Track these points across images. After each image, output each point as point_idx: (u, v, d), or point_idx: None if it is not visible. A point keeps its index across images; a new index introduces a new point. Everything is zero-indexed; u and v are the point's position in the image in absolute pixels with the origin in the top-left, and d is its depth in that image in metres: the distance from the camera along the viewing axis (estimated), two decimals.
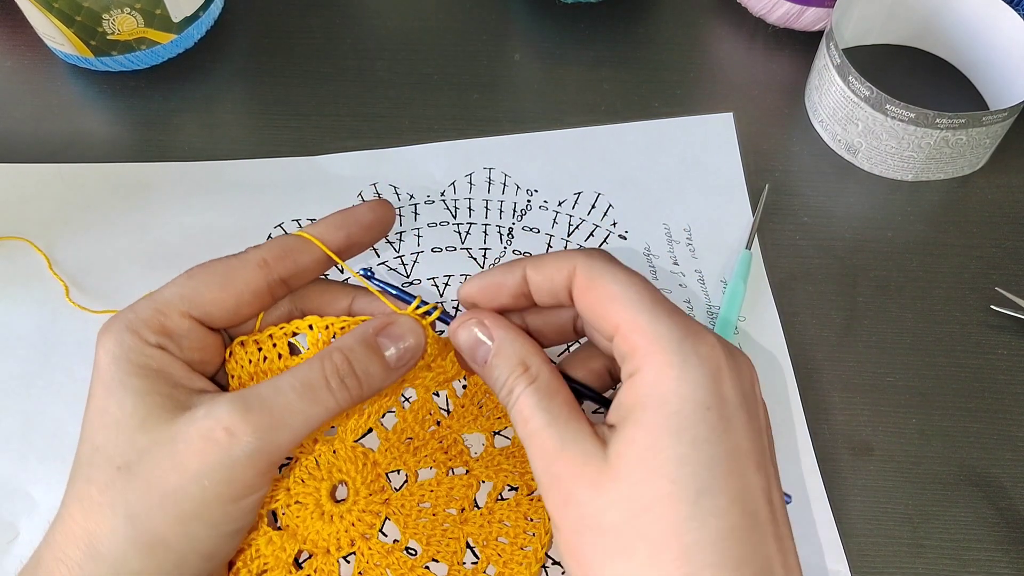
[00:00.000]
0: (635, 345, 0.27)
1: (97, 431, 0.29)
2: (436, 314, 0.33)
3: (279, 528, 0.35)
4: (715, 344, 0.27)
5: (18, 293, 0.45)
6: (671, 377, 0.26)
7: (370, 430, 0.36)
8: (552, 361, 0.31)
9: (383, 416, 0.36)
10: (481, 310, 0.32)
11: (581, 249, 0.30)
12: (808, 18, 0.53)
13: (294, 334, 0.33)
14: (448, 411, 0.38)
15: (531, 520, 0.36)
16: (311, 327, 0.32)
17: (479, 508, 0.37)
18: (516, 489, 0.37)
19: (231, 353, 0.32)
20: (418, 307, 0.33)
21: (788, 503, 0.39)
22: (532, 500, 0.36)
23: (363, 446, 0.36)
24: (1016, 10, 0.48)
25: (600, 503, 0.26)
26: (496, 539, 0.36)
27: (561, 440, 0.28)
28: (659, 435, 0.26)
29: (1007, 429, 0.42)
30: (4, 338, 0.44)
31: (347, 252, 0.33)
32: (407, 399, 0.37)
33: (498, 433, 0.39)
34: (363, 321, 0.32)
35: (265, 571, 0.34)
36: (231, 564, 0.34)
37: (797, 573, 0.27)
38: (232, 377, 0.32)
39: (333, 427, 0.36)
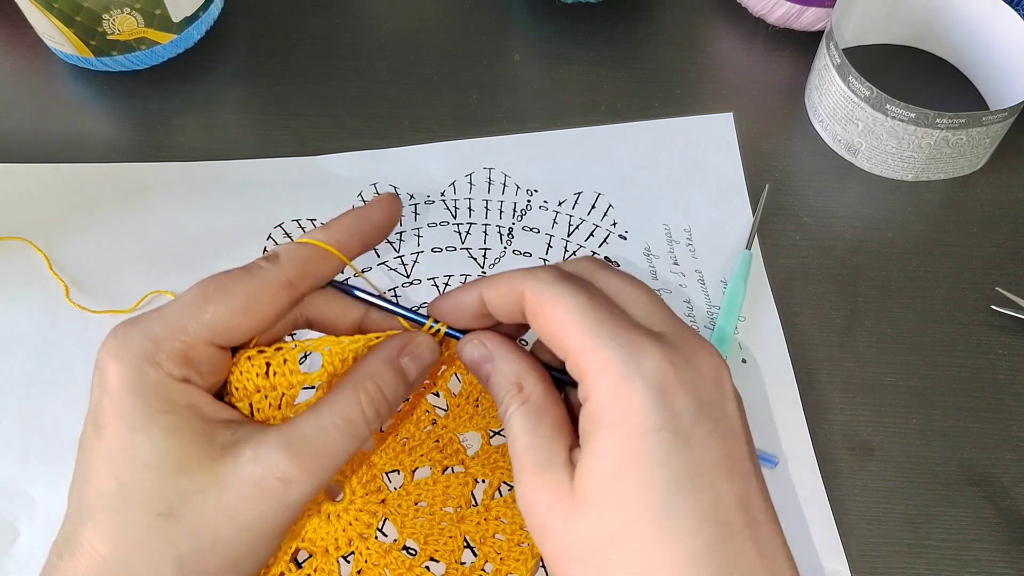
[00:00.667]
0: (584, 369, 0.27)
1: (122, 469, 0.27)
2: (443, 332, 0.33)
3: None
4: (661, 357, 0.26)
5: (18, 293, 0.45)
6: (619, 402, 0.26)
7: None
8: (551, 373, 0.31)
9: None
10: (485, 330, 0.32)
11: (529, 269, 0.30)
12: (808, 18, 0.53)
13: (306, 354, 0.33)
14: (445, 410, 0.38)
15: None
16: (328, 348, 0.31)
17: (476, 506, 0.37)
18: (512, 487, 0.37)
19: (234, 363, 0.31)
20: (431, 327, 0.32)
21: (774, 466, 0.38)
22: None
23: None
24: (1016, 10, 0.48)
25: (571, 531, 0.26)
26: (493, 536, 0.36)
27: (538, 464, 0.28)
28: (616, 462, 0.26)
29: (1007, 429, 0.42)
30: (4, 338, 0.44)
31: (360, 254, 0.33)
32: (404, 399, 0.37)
33: (496, 433, 0.39)
34: (375, 338, 0.32)
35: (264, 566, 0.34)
36: None
37: (787, 571, 0.27)
38: (236, 389, 0.31)
39: None
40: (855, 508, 0.40)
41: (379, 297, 0.33)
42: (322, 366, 0.31)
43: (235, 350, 0.31)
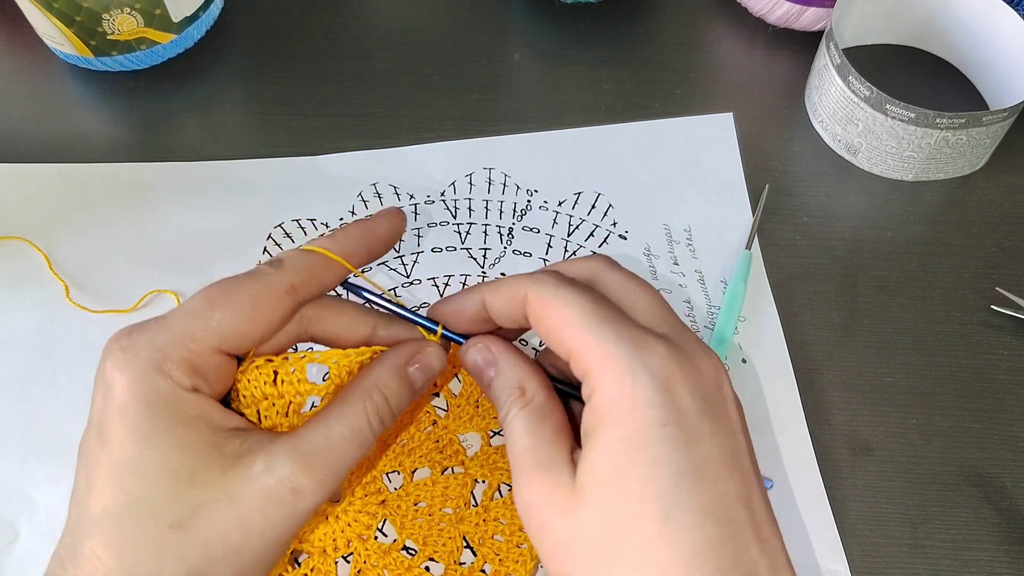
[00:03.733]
0: (587, 367, 0.27)
1: (131, 483, 0.27)
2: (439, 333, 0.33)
3: None
4: (665, 354, 0.27)
5: (18, 293, 0.45)
6: (624, 397, 0.26)
7: None
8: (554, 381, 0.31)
9: None
10: (488, 335, 0.32)
11: (531, 274, 0.30)
12: (808, 18, 0.53)
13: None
14: (444, 410, 0.38)
15: None
16: (335, 361, 0.31)
17: (475, 507, 0.37)
18: (511, 488, 0.37)
19: (242, 371, 0.31)
20: (442, 334, 0.32)
21: (769, 488, 0.39)
22: None
23: None
24: (1016, 10, 0.48)
25: (572, 528, 0.26)
26: (492, 537, 0.36)
27: (538, 464, 0.28)
28: (620, 458, 0.26)
29: (1007, 429, 0.42)
30: (4, 338, 0.44)
31: (364, 265, 0.33)
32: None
33: (496, 434, 0.39)
34: (382, 351, 0.32)
35: None
36: None
37: (787, 571, 0.27)
38: (244, 396, 0.31)
39: None
40: (855, 508, 0.40)
41: (387, 299, 0.33)
42: (328, 378, 0.31)
43: (240, 360, 0.31)
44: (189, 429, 0.27)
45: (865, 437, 0.42)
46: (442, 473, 0.37)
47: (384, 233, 0.33)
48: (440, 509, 0.36)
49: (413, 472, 0.37)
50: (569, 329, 0.28)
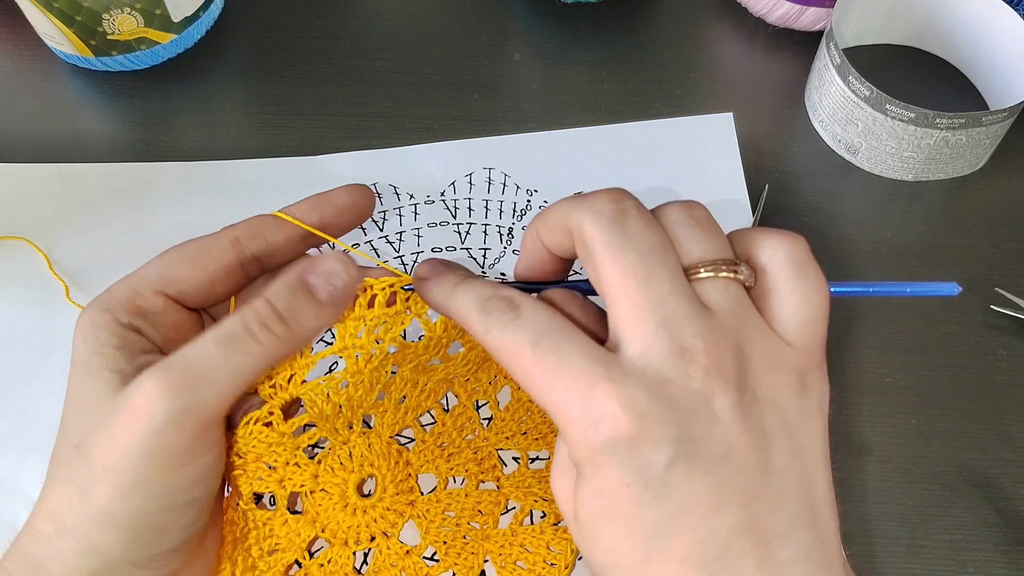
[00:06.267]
0: (556, 420, 0.26)
1: (64, 411, 0.29)
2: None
3: (297, 512, 0.35)
4: (617, 408, 0.24)
5: (18, 293, 0.45)
6: (588, 462, 0.25)
7: (408, 428, 0.36)
8: None
9: (421, 416, 0.36)
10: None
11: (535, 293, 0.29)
12: (808, 18, 0.53)
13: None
14: (488, 421, 0.37)
15: (552, 551, 0.35)
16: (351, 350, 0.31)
17: (503, 527, 0.36)
18: (544, 516, 0.36)
19: (236, 436, 0.31)
20: (405, 286, 0.32)
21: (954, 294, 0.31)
22: (557, 530, 0.35)
23: (399, 443, 0.36)
24: (1016, 10, 0.48)
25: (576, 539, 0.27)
26: (515, 563, 0.35)
27: (565, 463, 0.27)
28: (594, 512, 0.25)
29: (1006, 430, 0.42)
30: (4, 338, 0.44)
31: (320, 230, 0.33)
32: (448, 403, 0.37)
33: (536, 458, 0.38)
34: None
35: (276, 550, 0.34)
36: (236, 539, 0.34)
37: None
38: (243, 456, 0.32)
39: (370, 418, 0.36)
40: (854, 508, 0.40)
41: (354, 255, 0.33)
42: (344, 368, 0.31)
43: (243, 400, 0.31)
44: (105, 358, 0.29)
45: (864, 437, 0.42)
46: (477, 487, 0.36)
47: (340, 202, 0.34)
48: (468, 523, 0.36)
49: (448, 479, 0.37)
50: (525, 374, 0.26)
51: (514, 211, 0.48)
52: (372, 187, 0.48)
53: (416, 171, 0.49)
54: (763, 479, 0.25)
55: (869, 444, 0.41)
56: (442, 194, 0.48)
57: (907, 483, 0.40)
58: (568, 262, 0.31)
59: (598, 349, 0.25)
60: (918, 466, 0.41)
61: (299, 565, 0.34)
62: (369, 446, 0.35)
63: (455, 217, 0.48)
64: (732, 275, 0.26)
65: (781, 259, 0.26)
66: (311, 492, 0.34)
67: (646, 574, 0.25)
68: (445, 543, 0.35)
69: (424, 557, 0.35)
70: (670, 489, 0.24)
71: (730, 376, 0.25)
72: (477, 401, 0.37)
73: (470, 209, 0.48)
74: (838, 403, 0.42)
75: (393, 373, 0.34)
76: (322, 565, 0.34)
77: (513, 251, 0.47)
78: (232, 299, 0.33)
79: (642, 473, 0.24)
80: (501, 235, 0.47)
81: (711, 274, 0.26)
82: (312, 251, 0.35)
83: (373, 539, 0.35)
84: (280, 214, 0.33)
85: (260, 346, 0.29)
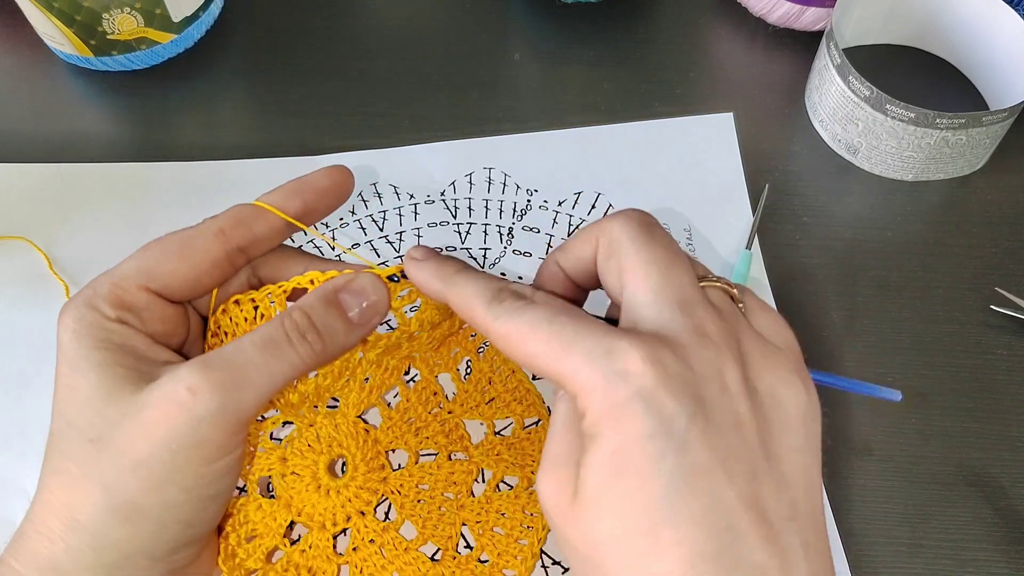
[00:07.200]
0: (572, 392, 0.26)
1: (68, 407, 0.29)
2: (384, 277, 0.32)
3: (272, 497, 0.35)
4: (643, 359, 0.25)
5: (18, 293, 0.45)
6: (611, 414, 0.25)
7: (373, 407, 0.36)
8: None
9: (386, 394, 0.36)
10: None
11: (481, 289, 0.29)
12: (808, 18, 0.53)
13: (294, 290, 0.32)
14: (453, 394, 0.38)
15: (529, 514, 0.36)
16: (312, 282, 0.32)
17: (477, 495, 0.37)
18: (515, 482, 0.37)
19: (224, 311, 0.32)
20: (394, 276, 0.32)
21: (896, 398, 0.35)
22: (531, 494, 0.36)
23: (365, 422, 0.36)
24: (1016, 10, 0.48)
25: (571, 534, 0.26)
26: (492, 529, 0.36)
27: (557, 458, 0.27)
28: (607, 476, 0.25)
29: (1006, 429, 0.42)
30: (4, 338, 0.44)
31: (304, 219, 0.33)
32: (411, 379, 0.37)
33: (502, 429, 0.39)
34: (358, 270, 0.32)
35: (254, 536, 0.34)
36: (220, 529, 0.34)
37: (803, 566, 0.25)
38: (226, 335, 0.32)
39: (335, 400, 0.36)
40: (854, 508, 0.40)
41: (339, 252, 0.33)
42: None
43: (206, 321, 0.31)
44: (111, 354, 0.29)
45: (864, 437, 0.42)
46: (448, 458, 0.37)
47: (321, 185, 0.33)
48: (442, 494, 0.36)
49: (419, 454, 0.37)
50: (537, 344, 0.27)
51: (514, 211, 0.48)
52: (373, 186, 0.49)
53: (416, 171, 0.49)
54: (766, 462, 0.26)
55: (869, 444, 0.41)
56: (442, 194, 0.48)
57: (907, 482, 0.41)
58: (583, 294, 0.32)
59: (613, 326, 0.27)
60: (918, 465, 0.41)
61: (280, 552, 0.35)
62: (336, 426, 0.35)
63: (455, 217, 0.48)
64: (728, 288, 0.29)
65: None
66: (283, 476, 0.35)
67: (653, 541, 0.24)
68: (421, 516, 0.35)
69: (401, 532, 0.36)
70: (689, 445, 0.25)
71: (737, 359, 0.27)
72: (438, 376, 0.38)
73: (470, 209, 0.48)
74: (838, 403, 0.42)
75: (360, 357, 0.34)
76: (303, 551, 0.35)
77: (513, 251, 0.47)
78: (214, 291, 0.33)
79: (665, 424, 0.25)
80: (501, 235, 0.47)
81: (714, 283, 0.29)
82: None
83: (349, 519, 0.35)
84: (263, 204, 0.32)
85: (297, 356, 0.29)
